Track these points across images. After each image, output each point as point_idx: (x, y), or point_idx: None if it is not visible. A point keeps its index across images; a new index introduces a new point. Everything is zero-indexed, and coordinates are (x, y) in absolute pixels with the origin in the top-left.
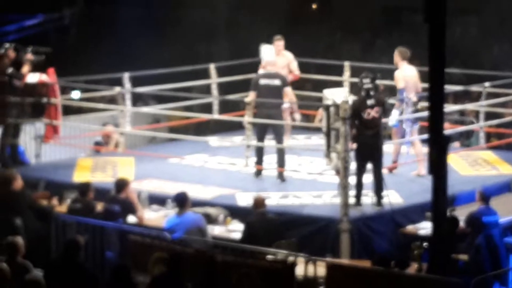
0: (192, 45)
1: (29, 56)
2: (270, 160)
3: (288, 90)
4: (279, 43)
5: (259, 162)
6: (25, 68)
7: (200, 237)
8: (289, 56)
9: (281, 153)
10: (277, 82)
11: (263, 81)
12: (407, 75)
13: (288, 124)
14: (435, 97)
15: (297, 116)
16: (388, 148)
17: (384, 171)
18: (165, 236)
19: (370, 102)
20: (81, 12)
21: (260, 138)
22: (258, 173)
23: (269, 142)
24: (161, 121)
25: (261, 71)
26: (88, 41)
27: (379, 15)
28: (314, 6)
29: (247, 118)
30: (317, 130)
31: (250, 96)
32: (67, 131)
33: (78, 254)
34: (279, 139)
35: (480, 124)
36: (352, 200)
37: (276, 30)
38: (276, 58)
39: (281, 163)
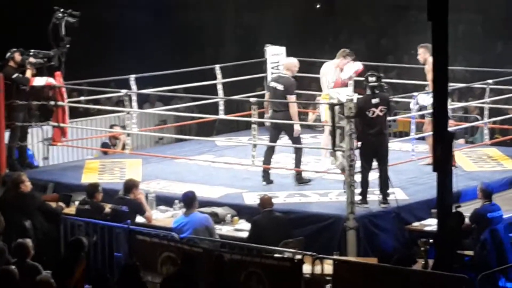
0: (200, 47)
1: (31, 59)
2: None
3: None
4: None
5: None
6: (28, 72)
7: (207, 236)
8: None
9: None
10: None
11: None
12: None
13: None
14: (439, 94)
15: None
16: (394, 145)
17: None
18: (173, 236)
19: (374, 100)
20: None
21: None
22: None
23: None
24: (168, 122)
25: None
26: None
27: (384, 14)
28: (318, 6)
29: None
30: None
31: None
32: (74, 133)
33: (82, 251)
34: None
35: (484, 120)
36: (358, 198)
37: (281, 31)
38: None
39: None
